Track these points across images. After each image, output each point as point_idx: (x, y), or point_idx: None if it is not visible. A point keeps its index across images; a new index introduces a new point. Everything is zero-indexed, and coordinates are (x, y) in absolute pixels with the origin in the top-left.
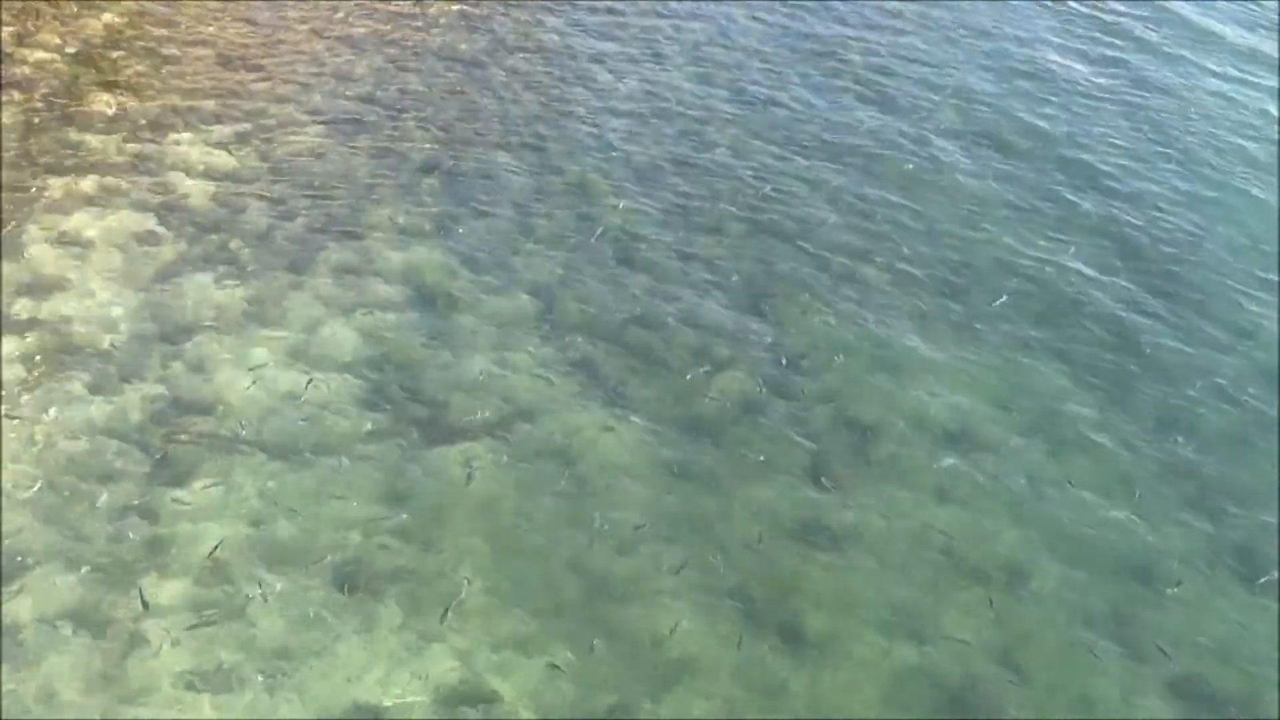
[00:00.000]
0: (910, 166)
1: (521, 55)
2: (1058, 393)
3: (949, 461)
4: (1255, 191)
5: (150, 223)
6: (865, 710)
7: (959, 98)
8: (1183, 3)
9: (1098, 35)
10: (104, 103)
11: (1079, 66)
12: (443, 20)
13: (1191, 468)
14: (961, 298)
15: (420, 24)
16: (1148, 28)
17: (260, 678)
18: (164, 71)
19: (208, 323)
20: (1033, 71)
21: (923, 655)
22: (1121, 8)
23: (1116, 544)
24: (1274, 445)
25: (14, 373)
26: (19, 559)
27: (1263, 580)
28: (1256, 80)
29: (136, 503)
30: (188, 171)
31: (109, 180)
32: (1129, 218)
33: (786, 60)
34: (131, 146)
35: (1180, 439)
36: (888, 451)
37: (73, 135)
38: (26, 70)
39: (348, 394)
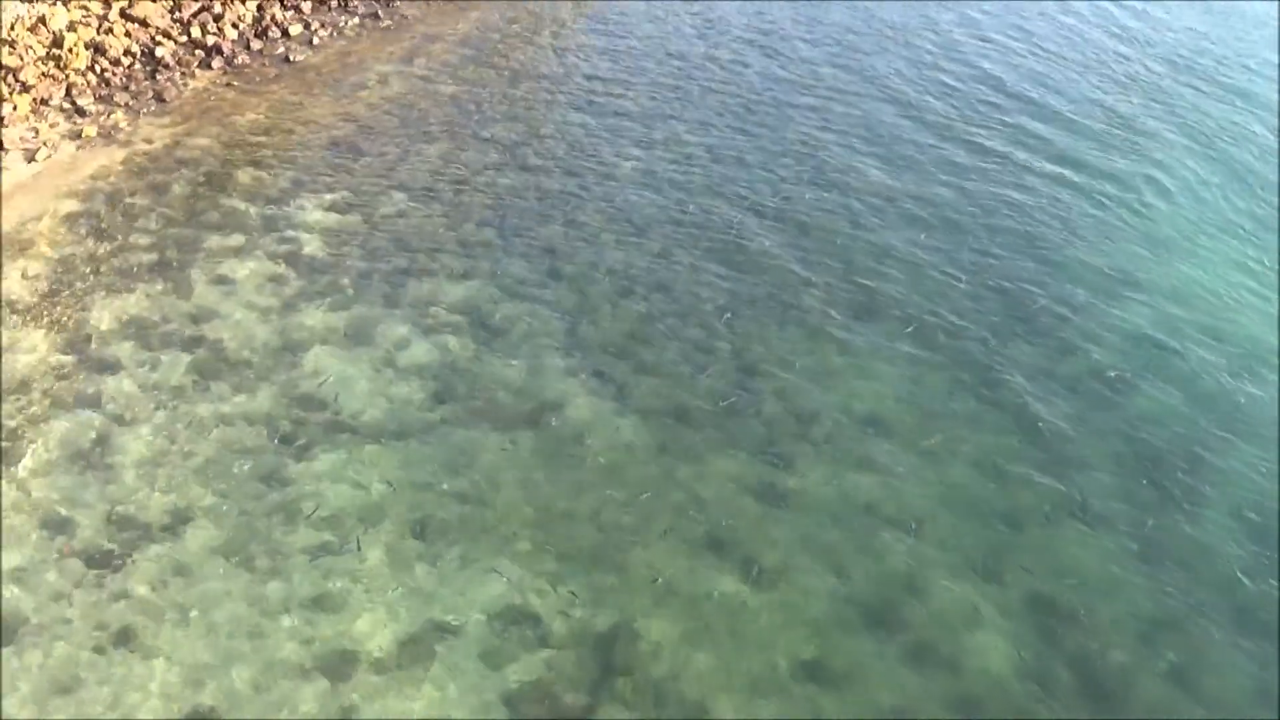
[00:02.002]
0: (840, 223)
1: (552, 140)
2: (948, 390)
3: (868, 441)
4: (1102, 236)
5: (279, 267)
6: (809, 621)
7: (880, 161)
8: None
9: (995, 128)
10: (247, 177)
11: (988, 141)
12: (494, 118)
13: (1046, 443)
14: (878, 321)
15: (477, 118)
16: (1036, 128)
17: (363, 601)
18: (290, 153)
19: (321, 340)
20: (939, 151)
21: (850, 582)
22: (1016, 110)
23: (991, 499)
24: (1106, 425)
25: (182, 377)
26: (184, 512)
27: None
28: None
29: (269, 472)
30: (307, 229)
31: (250, 236)
32: (998, 256)
33: (749, 145)
34: (267, 210)
35: (1039, 422)
36: (823, 433)
37: (224, 201)
38: (194, 153)
39: (423, 392)
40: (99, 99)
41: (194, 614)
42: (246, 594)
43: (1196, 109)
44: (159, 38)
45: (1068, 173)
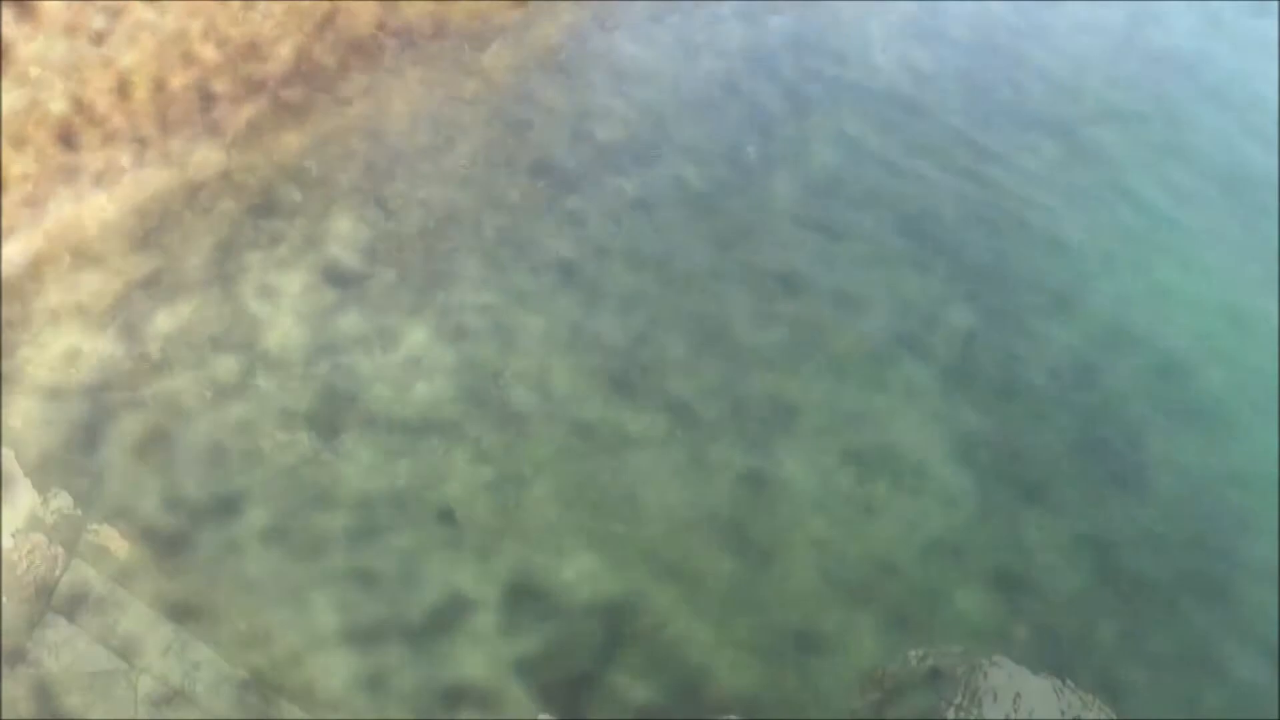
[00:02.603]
0: (823, 242)
1: (565, 166)
2: (919, 386)
3: (849, 434)
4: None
5: (317, 277)
6: (798, 594)
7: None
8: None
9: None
10: (290, 197)
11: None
12: (514, 145)
13: (1011, 434)
14: (861, 325)
15: (498, 145)
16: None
17: (392, 576)
18: (326, 174)
19: (355, 343)
20: (922, 173)
21: (833, 561)
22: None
23: (960, 486)
24: (1065, 418)
25: (232, 376)
26: (236, 497)
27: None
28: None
29: (309, 461)
30: (342, 243)
31: (290, 249)
32: (967, 267)
33: (742, 168)
34: (306, 226)
35: (1005, 416)
36: (807, 427)
37: (268, 220)
38: (242, 176)
39: (448, 389)
40: (160, 129)
41: (242, 589)
42: (289, 571)
43: (1165, 124)
44: (213, 74)
45: (1037, 188)
